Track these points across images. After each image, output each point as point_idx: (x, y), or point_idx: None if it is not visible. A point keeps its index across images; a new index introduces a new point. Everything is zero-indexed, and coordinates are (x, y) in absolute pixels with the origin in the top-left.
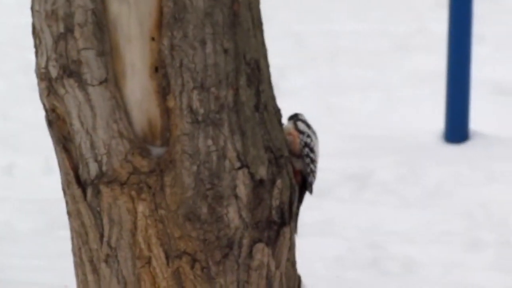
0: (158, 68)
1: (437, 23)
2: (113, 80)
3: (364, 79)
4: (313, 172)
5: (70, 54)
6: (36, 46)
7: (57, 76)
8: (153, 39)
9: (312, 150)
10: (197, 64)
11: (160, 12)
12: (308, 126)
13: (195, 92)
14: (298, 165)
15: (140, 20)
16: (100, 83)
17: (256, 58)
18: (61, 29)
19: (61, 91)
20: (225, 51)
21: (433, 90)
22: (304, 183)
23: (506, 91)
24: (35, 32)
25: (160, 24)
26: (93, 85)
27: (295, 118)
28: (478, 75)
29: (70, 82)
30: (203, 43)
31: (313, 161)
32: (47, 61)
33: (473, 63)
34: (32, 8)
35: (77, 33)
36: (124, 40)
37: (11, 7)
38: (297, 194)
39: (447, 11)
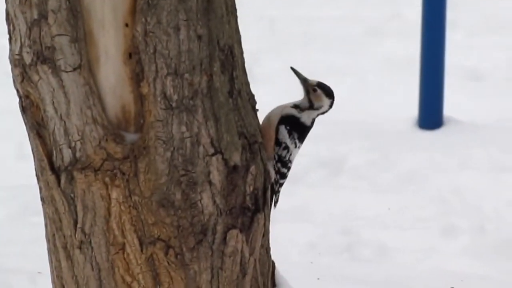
0: (132, 54)
1: (411, 8)
2: (87, 66)
3: (337, 65)
4: (277, 183)
5: (44, 40)
6: (9, 33)
7: (31, 63)
8: (127, 25)
9: (284, 164)
10: (171, 51)
11: None
12: (290, 132)
13: (169, 78)
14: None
15: (114, 6)
16: (74, 69)
17: (230, 44)
18: (35, 16)
19: (35, 77)
20: (199, 37)
21: (406, 76)
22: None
23: (480, 77)
24: (8, 19)
25: (134, 10)
26: (66, 72)
27: (285, 117)
28: (452, 61)
29: (44, 69)
30: (177, 29)
31: (283, 176)
32: (21, 48)
33: (447, 49)
34: None
35: (50, 19)
36: (98, 26)
37: None
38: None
39: None
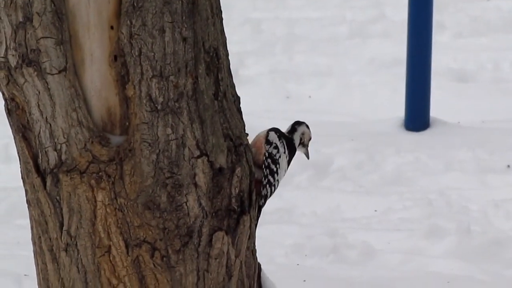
0: (117, 57)
1: (396, 10)
2: (72, 69)
3: (322, 66)
4: (270, 184)
5: (29, 43)
6: None
7: (16, 65)
8: (112, 27)
9: (274, 161)
10: (156, 53)
11: (119, 1)
12: (280, 137)
13: (154, 80)
14: (259, 174)
15: (99, 8)
16: (59, 72)
17: (215, 47)
18: (20, 18)
19: (20, 80)
20: (184, 39)
21: (392, 77)
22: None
23: (466, 79)
24: None
25: (119, 13)
26: (52, 74)
27: (273, 128)
28: (438, 63)
29: (29, 71)
30: (162, 31)
31: (273, 173)
32: (6, 50)
33: (433, 51)
34: None
35: (36, 22)
36: (83, 29)
37: None
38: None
39: None
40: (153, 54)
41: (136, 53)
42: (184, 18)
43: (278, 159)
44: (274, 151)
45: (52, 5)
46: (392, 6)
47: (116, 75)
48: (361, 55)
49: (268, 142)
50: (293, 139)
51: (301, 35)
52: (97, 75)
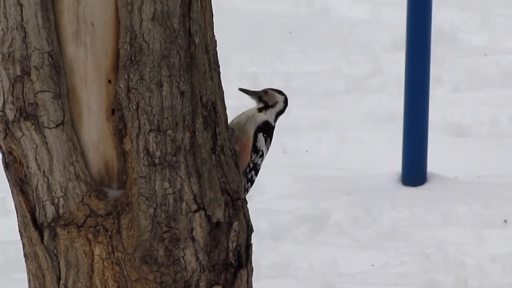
0: (115, 111)
1: (393, 64)
2: (70, 123)
3: (318, 120)
4: (246, 191)
5: (27, 96)
6: None
7: (14, 119)
8: (109, 81)
9: (256, 171)
10: (154, 107)
11: (117, 54)
12: (266, 139)
13: (152, 134)
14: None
15: (96, 62)
16: (57, 125)
17: (212, 101)
18: (18, 72)
19: (18, 133)
20: (182, 93)
21: (389, 132)
22: None
23: (463, 133)
24: None
25: (116, 67)
26: (49, 128)
27: (261, 125)
28: (436, 117)
29: (27, 125)
30: (159, 85)
31: (252, 181)
32: (4, 104)
33: (430, 105)
34: None
35: (33, 76)
36: (81, 83)
37: None
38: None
39: (404, 53)
40: (150, 108)
41: (134, 107)
42: (181, 72)
43: (260, 165)
44: (259, 160)
45: (50, 59)
46: (389, 60)
47: (113, 129)
48: (358, 109)
49: (255, 150)
50: (273, 125)
51: (298, 89)
52: (94, 129)
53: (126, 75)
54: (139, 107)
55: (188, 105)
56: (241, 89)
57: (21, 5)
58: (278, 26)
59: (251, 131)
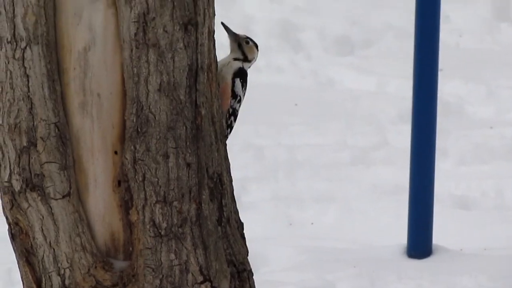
0: (121, 182)
1: (399, 136)
2: (76, 194)
3: (323, 192)
4: (226, 137)
5: (33, 167)
6: None
7: (20, 190)
8: (116, 152)
9: (235, 117)
10: (160, 178)
11: (123, 125)
12: (243, 84)
13: (158, 206)
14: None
15: (103, 133)
16: (63, 196)
17: (219, 172)
18: (24, 143)
19: (24, 204)
20: (188, 165)
21: (395, 204)
22: None
23: (468, 206)
24: None
25: (123, 138)
26: (56, 199)
27: (237, 71)
28: (441, 190)
29: (33, 196)
30: (166, 157)
31: (231, 127)
32: (10, 175)
33: (436, 178)
34: None
35: (40, 147)
36: (87, 154)
37: None
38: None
39: (410, 125)
40: (157, 179)
41: (140, 179)
42: (188, 143)
43: (238, 111)
44: (237, 106)
45: (56, 130)
46: (394, 132)
47: (119, 200)
48: (363, 181)
49: (233, 95)
50: (247, 72)
51: (303, 161)
52: (101, 200)
53: (132, 147)
54: (146, 179)
55: (194, 176)
56: (222, 24)
57: (27, 76)
58: (283, 98)
59: (228, 76)
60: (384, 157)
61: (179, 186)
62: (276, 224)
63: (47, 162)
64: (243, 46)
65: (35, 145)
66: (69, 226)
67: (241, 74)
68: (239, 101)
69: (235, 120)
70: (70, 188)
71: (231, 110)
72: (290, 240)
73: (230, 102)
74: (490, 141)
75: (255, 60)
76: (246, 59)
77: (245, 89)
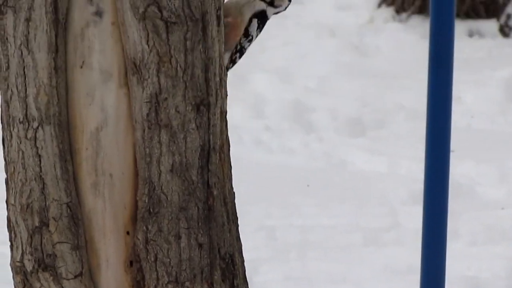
0: (133, 262)
1: (411, 217)
2: (88, 274)
3: (335, 274)
4: (229, 67)
5: (45, 247)
6: (11, 240)
7: (32, 270)
8: (128, 233)
9: (241, 54)
10: (172, 259)
11: (135, 206)
12: (259, 26)
13: (170, 286)
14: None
15: (115, 213)
16: (75, 276)
17: (230, 253)
18: (36, 223)
19: (36, 284)
20: (200, 245)
21: (407, 285)
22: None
23: (480, 287)
24: (10, 226)
25: (135, 218)
26: (68, 279)
27: (258, 12)
28: (453, 271)
29: (45, 276)
30: (178, 237)
31: (235, 63)
32: (22, 255)
33: (447, 259)
34: (7, 202)
35: (52, 227)
36: (99, 234)
37: None
38: None
39: (421, 206)
40: (169, 260)
41: (152, 259)
42: (200, 224)
43: (246, 50)
44: (247, 45)
45: (68, 210)
46: (406, 213)
47: (131, 281)
48: (375, 262)
49: (246, 34)
50: (268, 18)
51: (315, 243)
52: (112, 281)
53: (144, 227)
54: (158, 259)
55: (206, 257)
56: None
57: (39, 156)
58: (295, 179)
59: (247, 14)
60: (396, 238)
61: (191, 266)
62: None
63: (59, 242)
64: None
65: (47, 225)
66: None
67: (261, 17)
68: (250, 41)
69: (240, 57)
70: (82, 268)
71: (238, 47)
72: None
73: (240, 39)
74: (502, 222)
75: (282, 10)
76: (272, 3)
77: (260, 31)
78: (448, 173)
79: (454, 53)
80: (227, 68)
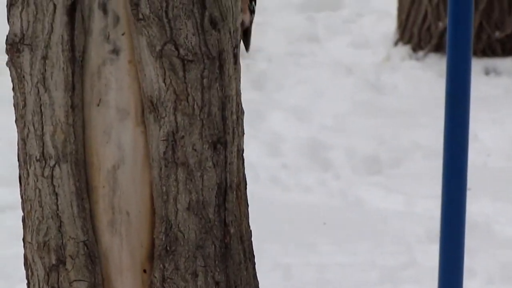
0: None
1: (427, 255)
2: None
3: None
4: (251, 19)
5: (62, 286)
6: (27, 278)
7: None
8: (145, 271)
9: (255, 1)
10: None
11: (152, 244)
12: None
13: None
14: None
15: (131, 251)
16: None
17: None
18: (53, 261)
19: None
20: (217, 284)
21: None
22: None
23: None
24: (27, 264)
25: (151, 256)
26: None
27: None
28: None
29: None
30: (194, 275)
31: (254, 11)
32: None
33: None
34: (24, 240)
35: (69, 265)
36: (116, 272)
37: (3, 239)
38: None
39: (438, 244)
40: None
41: None
42: (217, 262)
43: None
44: None
45: (85, 248)
46: (423, 252)
47: None
48: None
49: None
50: None
51: (331, 281)
52: None
53: (161, 265)
54: None
55: None
56: None
57: (56, 194)
58: (311, 217)
59: None
60: (412, 276)
61: None
62: None
63: (75, 280)
64: None
65: (64, 263)
66: None
67: None
68: None
69: (255, 3)
70: None
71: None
72: None
73: None
74: None
75: None
76: None
77: None
78: (464, 211)
79: (471, 91)
80: (251, 22)
